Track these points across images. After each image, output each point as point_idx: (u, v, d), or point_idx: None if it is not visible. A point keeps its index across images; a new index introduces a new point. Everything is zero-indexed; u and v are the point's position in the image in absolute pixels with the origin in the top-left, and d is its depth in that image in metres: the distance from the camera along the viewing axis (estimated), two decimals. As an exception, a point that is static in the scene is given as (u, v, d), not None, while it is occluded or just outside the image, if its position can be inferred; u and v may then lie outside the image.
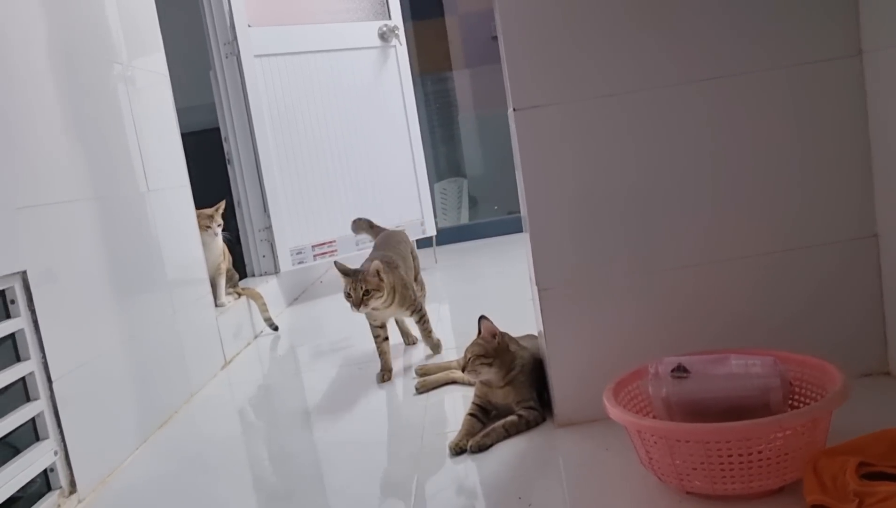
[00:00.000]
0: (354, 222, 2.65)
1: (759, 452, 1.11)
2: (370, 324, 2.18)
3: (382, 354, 2.16)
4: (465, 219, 5.49)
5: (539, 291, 1.54)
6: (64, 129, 1.75)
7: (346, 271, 2.03)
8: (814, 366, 1.29)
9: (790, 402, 1.30)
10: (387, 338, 2.19)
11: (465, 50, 5.86)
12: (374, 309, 2.07)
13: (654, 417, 1.31)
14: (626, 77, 1.48)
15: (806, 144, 1.49)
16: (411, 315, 2.23)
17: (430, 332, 2.27)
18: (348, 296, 2.02)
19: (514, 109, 1.50)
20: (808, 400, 1.29)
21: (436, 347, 2.26)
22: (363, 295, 2.01)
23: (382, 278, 2.04)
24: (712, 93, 1.48)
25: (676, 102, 1.49)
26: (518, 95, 1.49)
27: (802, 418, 1.17)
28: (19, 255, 1.51)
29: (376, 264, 2.03)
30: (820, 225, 1.51)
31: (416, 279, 2.40)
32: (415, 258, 2.48)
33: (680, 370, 1.27)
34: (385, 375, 2.10)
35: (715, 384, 1.25)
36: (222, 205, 2.74)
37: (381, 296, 2.04)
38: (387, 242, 2.40)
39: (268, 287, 3.13)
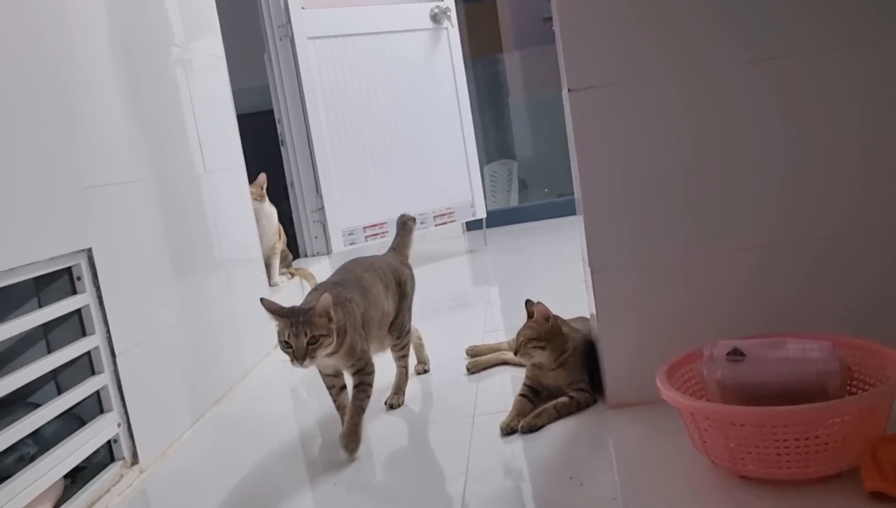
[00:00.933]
0: (401, 217, 2.05)
1: (816, 437, 1.10)
2: (319, 372, 1.66)
3: (340, 408, 1.66)
4: (514, 201, 5.48)
5: (592, 273, 1.54)
6: (124, 111, 1.80)
7: (279, 312, 1.49)
8: (874, 352, 1.26)
9: (848, 388, 1.27)
10: (344, 388, 1.67)
11: (516, 32, 5.83)
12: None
13: (707, 400, 1.30)
14: (684, 57, 1.46)
15: (873, 125, 1.45)
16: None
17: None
18: (286, 345, 1.48)
19: (568, 90, 1.49)
20: (866, 386, 1.27)
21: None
22: (308, 344, 1.46)
23: (332, 318, 1.50)
24: (773, 73, 1.45)
25: (735, 83, 1.46)
26: (573, 75, 1.49)
27: (861, 403, 1.15)
28: (85, 233, 1.56)
29: (326, 297, 1.48)
30: (886, 208, 1.47)
31: (397, 317, 1.82)
32: (404, 296, 1.86)
33: (735, 354, 1.25)
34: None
35: (771, 368, 1.24)
36: (259, 178, 2.74)
37: (331, 343, 1.50)
38: (356, 267, 1.79)
39: (320, 267, 3.17)
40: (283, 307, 1.51)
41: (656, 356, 1.39)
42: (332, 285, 1.67)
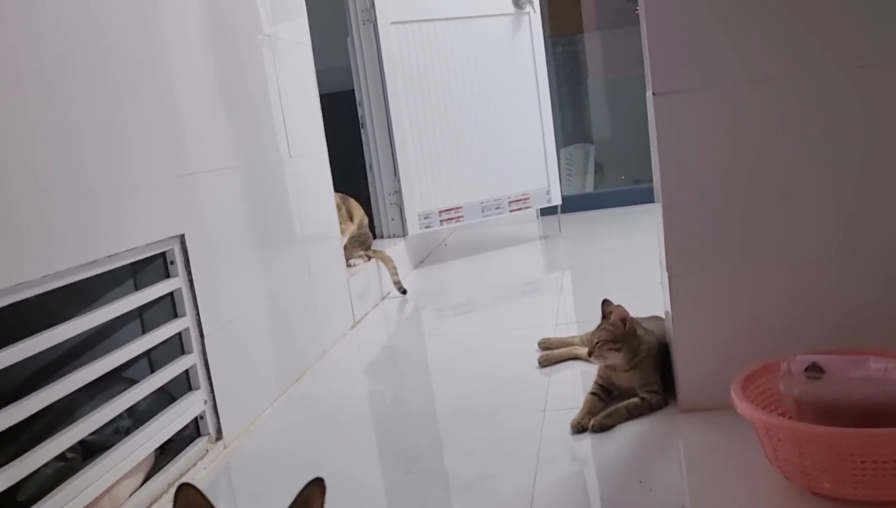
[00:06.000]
0: None
1: (895, 461, 1.09)
2: None
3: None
4: (590, 186, 5.43)
5: (670, 277, 1.54)
6: (215, 101, 1.86)
7: None
8: (960, 374, 1.23)
9: (932, 409, 1.25)
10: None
11: (598, 11, 5.73)
12: None
13: (782, 414, 1.30)
14: (772, 63, 1.44)
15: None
16: None
17: None
18: None
19: (653, 94, 1.49)
20: (951, 409, 1.24)
21: None
22: None
23: None
24: (863, 81, 1.41)
25: (822, 90, 1.43)
26: (659, 79, 1.48)
27: (944, 428, 1.13)
28: (179, 219, 1.63)
29: None
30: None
31: None
32: None
33: (814, 370, 1.24)
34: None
35: (850, 387, 1.23)
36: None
37: None
38: None
39: (396, 250, 3.23)
40: None
41: (731, 362, 1.39)
42: None
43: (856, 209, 1.46)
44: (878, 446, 1.09)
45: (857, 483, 1.12)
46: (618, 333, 1.62)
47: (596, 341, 1.63)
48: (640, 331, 1.65)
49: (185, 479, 1.56)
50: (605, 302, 1.66)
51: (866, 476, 1.11)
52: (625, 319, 1.63)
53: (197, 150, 1.75)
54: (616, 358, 1.62)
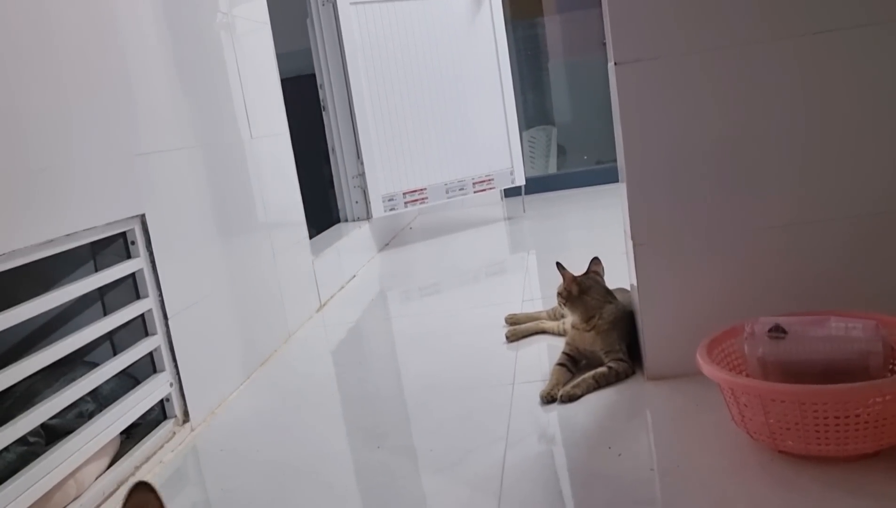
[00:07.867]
0: None
1: (857, 416, 1.11)
2: None
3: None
4: (552, 168, 5.45)
5: (634, 245, 1.55)
6: (173, 80, 1.83)
7: None
8: (918, 331, 1.26)
9: (891, 367, 1.28)
10: None
11: (558, -6, 5.74)
12: None
13: (747, 376, 1.31)
14: (731, 32, 1.45)
15: (921, 102, 1.43)
16: None
17: None
18: None
19: (615, 64, 1.49)
20: (909, 366, 1.27)
21: None
22: None
23: None
24: (813, 48, 1.43)
25: (783, 57, 1.45)
26: (620, 49, 1.48)
27: (903, 383, 1.16)
28: (139, 199, 1.60)
29: None
30: (932, 186, 1.46)
31: None
32: None
33: (777, 331, 1.26)
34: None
35: (813, 345, 1.25)
36: None
37: None
38: None
39: (360, 233, 3.21)
40: None
41: (696, 329, 1.40)
42: None
43: (816, 175, 1.48)
44: (841, 401, 1.11)
45: (821, 439, 1.14)
46: (569, 288, 1.71)
47: (557, 292, 1.74)
48: (596, 295, 1.70)
49: (151, 462, 1.54)
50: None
51: (829, 433, 1.13)
52: (569, 279, 1.72)
53: (154, 128, 1.71)
54: (572, 311, 1.71)
